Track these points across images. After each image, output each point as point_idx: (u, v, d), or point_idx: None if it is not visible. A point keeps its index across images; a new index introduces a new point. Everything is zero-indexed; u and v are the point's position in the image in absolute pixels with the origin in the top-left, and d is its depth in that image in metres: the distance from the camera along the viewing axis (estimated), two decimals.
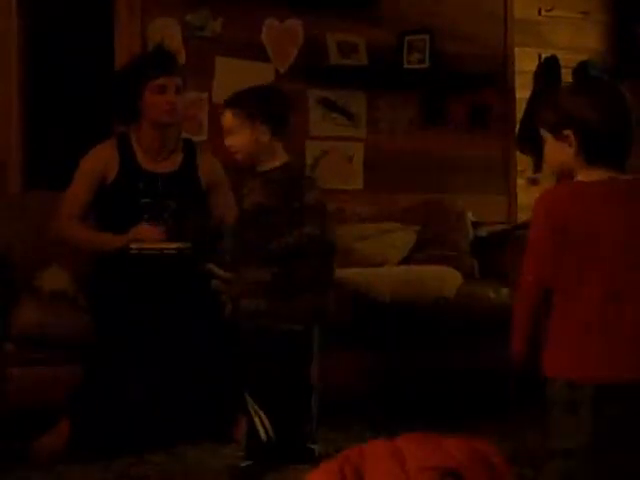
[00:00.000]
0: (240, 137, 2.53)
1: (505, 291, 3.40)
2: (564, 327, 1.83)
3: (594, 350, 1.79)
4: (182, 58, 3.82)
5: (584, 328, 1.80)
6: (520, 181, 4.55)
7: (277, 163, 2.56)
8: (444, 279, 3.43)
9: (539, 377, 1.86)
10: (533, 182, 4.61)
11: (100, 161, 3.02)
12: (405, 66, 4.26)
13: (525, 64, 4.55)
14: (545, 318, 1.85)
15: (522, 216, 4.36)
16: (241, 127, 2.52)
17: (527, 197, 4.54)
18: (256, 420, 2.51)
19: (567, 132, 1.84)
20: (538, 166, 4.59)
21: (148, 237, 2.85)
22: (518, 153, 4.54)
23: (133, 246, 2.83)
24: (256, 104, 2.55)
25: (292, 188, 2.49)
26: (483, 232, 3.96)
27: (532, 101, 4.52)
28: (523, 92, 4.54)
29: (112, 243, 2.89)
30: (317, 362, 2.59)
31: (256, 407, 2.51)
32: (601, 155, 1.83)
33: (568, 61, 4.55)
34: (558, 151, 1.88)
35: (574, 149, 1.84)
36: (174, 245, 2.84)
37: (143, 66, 3.02)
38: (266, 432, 2.50)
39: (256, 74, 4.09)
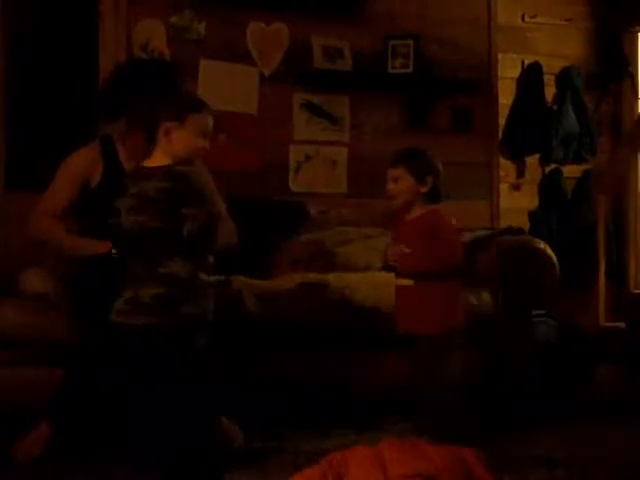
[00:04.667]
0: None
1: (486, 296, 3.41)
2: None
3: None
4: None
5: None
6: (503, 186, 4.58)
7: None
8: None
9: None
10: (516, 187, 4.63)
11: (85, 162, 2.98)
12: (389, 71, 4.28)
13: (508, 70, 4.58)
14: None
15: (504, 221, 4.38)
16: None
17: (510, 202, 4.57)
18: None
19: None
20: (521, 171, 4.63)
21: None
22: (501, 158, 4.57)
23: (114, 250, 2.81)
24: None
25: None
26: (465, 237, 3.96)
27: (515, 107, 4.56)
28: (506, 98, 4.57)
29: (94, 248, 2.85)
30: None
31: None
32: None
33: (551, 67, 4.59)
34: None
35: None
36: None
37: (151, 77, 2.92)
38: None
39: (241, 77, 4.10)
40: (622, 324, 4.10)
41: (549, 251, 3.52)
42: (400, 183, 2.71)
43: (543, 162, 4.62)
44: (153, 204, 2.35)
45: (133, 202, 2.39)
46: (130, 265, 2.43)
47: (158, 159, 2.44)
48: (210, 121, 2.50)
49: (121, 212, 2.42)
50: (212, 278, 2.65)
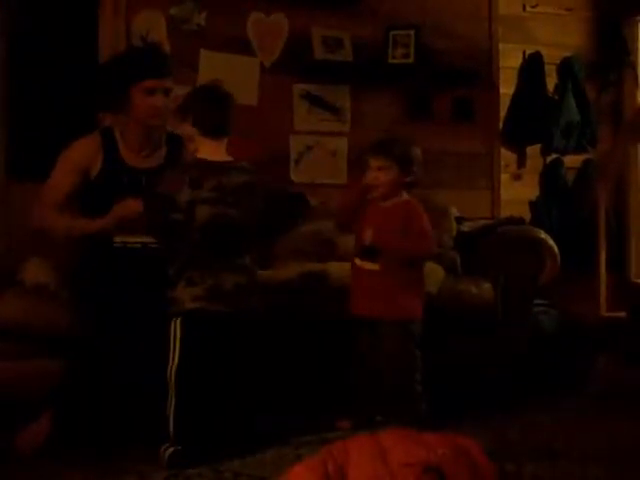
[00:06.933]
0: None
1: (487, 286, 3.41)
2: None
3: None
4: (167, 51, 3.79)
5: None
6: (504, 176, 4.58)
7: None
8: (427, 274, 3.43)
9: None
10: (517, 177, 4.63)
11: (84, 153, 2.98)
12: (390, 61, 4.27)
13: (509, 60, 4.57)
14: None
15: (505, 211, 4.38)
16: None
17: (511, 192, 4.57)
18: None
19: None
20: (522, 161, 4.63)
21: (132, 208, 2.80)
22: (502, 148, 4.57)
23: (117, 239, 2.82)
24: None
25: None
26: (466, 227, 3.97)
27: (516, 97, 4.55)
28: (507, 88, 4.56)
29: (93, 225, 2.86)
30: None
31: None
32: None
33: (552, 57, 4.58)
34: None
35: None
36: None
37: (134, 64, 2.94)
38: None
39: (241, 68, 4.09)
40: (623, 314, 4.10)
41: (550, 241, 3.52)
42: (386, 173, 2.76)
43: (544, 152, 4.62)
44: None
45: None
46: None
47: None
48: None
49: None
50: None
